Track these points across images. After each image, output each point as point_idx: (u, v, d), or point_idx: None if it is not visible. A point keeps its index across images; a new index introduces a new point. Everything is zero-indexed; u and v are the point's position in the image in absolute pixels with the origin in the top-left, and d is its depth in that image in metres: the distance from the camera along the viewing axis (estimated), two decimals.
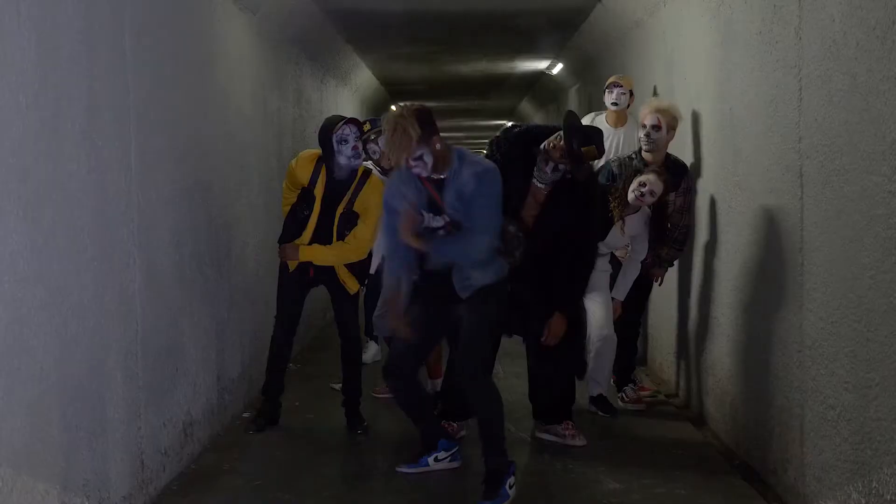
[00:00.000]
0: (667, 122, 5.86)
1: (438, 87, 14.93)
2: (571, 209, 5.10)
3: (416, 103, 4.56)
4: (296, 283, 5.70)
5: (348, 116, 5.58)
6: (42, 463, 3.41)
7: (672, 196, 5.87)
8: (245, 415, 6.10)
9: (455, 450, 5.02)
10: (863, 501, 3.55)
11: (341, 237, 5.54)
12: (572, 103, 12.55)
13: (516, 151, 5.15)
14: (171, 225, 4.87)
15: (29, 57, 3.36)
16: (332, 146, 5.41)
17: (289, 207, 5.69)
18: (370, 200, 5.49)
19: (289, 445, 5.49)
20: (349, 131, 5.43)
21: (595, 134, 5.04)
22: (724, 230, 5.38)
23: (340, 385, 6.29)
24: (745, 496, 4.56)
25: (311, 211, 5.52)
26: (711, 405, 5.65)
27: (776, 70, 4.40)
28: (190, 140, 5.24)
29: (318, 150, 5.55)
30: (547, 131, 5.17)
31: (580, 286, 5.34)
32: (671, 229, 5.93)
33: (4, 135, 3.19)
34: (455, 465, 4.99)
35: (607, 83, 6.88)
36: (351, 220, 5.54)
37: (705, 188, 5.77)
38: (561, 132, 5.00)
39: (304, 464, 5.16)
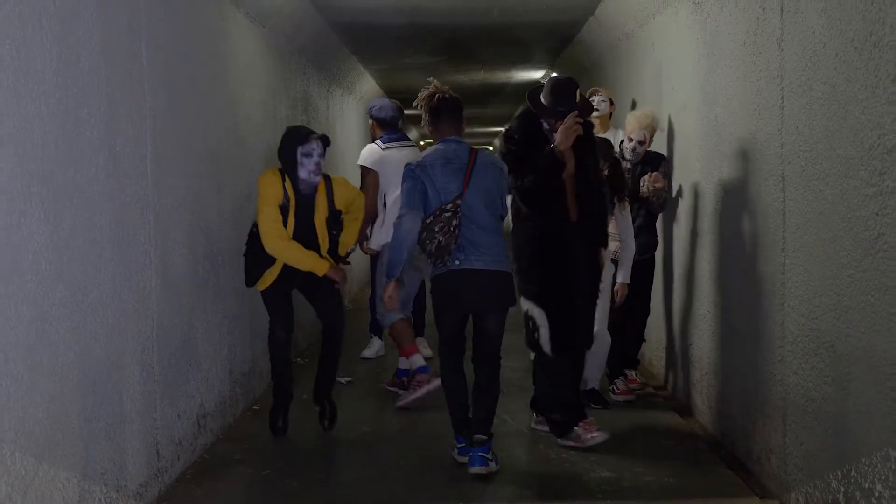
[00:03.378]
0: (650, 135, 6.13)
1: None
2: (589, 157, 5.17)
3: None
4: (281, 285, 5.34)
5: (317, 132, 5.32)
6: (63, 452, 3.41)
7: (649, 178, 6.08)
8: (255, 407, 6.10)
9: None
10: (842, 489, 3.56)
11: (332, 239, 5.36)
12: None
13: (530, 136, 5.09)
14: (186, 227, 4.87)
15: (50, 67, 3.36)
16: (297, 157, 5.13)
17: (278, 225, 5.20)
18: (347, 192, 5.45)
19: (297, 437, 5.49)
20: (316, 146, 5.17)
21: (559, 84, 5.06)
22: (709, 231, 5.38)
23: (348, 379, 6.32)
24: (729, 484, 4.56)
25: (285, 226, 5.19)
26: (698, 397, 5.65)
27: (759, 79, 4.40)
28: (203, 146, 5.24)
29: (275, 168, 5.29)
30: (539, 109, 5.12)
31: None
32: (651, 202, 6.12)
33: (27, 141, 3.19)
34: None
35: (587, 93, 6.93)
36: (336, 218, 5.39)
37: (692, 191, 5.77)
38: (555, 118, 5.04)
39: (311, 454, 5.16)
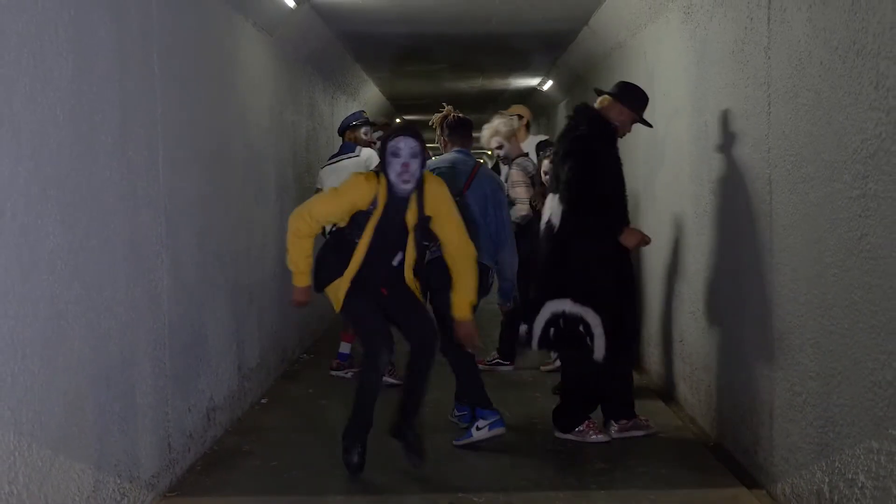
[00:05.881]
0: (503, 140, 6.66)
1: (439, 101, 14.92)
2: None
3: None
4: (361, 299, 4.55)
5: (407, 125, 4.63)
6: (78, 445, 3.41)
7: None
8: (263, 401, 6.10)
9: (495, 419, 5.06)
10: (826, 479, 3.56)
11: (421, 253, 4.57)
12: (561, 117, 12.54)
13: (602, 135, 4.99)
14: (196, 227, 4.87)
15: (66, 75, 3.36)
16: (385, 157, 4.38)
17: (314, 232, 4.48)
18: (440, 196, 4.50)
19: (303, 429, 5.49)
20: (403, 145, 4.34)
21: (643, 93, 5.19)
22: (700, 232, 5.37)
23: (354, 371, 6.38)
24: (718, 475, 4.56)
25: (360, 238, 4.43)
26: (688, 391, 5.65)
27: (747, 86, 4.40)
28: (213, 150, 5.24)
29: (370, 173, 4.57)
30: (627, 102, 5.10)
31: None
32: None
33: (44, 146, 3.19)
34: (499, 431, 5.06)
35: (509, 111, 7.61)
36: (425, 227, 4.50)
37: (684, 194, 5.77)
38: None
39: (317, 446, 5.15)
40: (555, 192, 5.08)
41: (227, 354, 5.43)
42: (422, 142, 4.40)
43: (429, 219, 4.48)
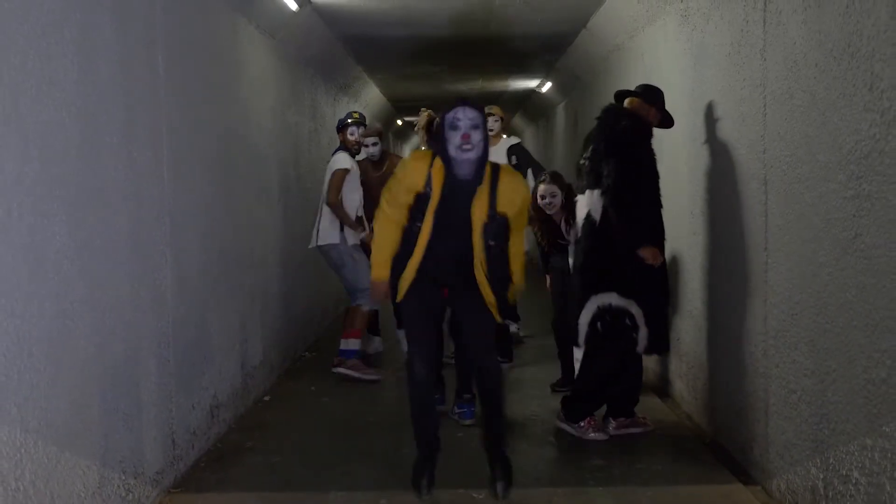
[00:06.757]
0: None
1: (439, 103, 14.90)
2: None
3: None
4: (426, 309, 4.24)
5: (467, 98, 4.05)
6: (83, 442, 3.42)
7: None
8: (265, 398, 6.10)
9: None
10: (821, 476, 3.56)
11: (491, 252, 4.13)
12: (560, 118, 12.56)
13: (638, 131, 5.00)
14: (200, 228, 4.88)
15: (71, 77, 3.37)
16: (443, 133, 3.99)
17: (397, 214, 4.15)
18: (517, 194, 4.12)
19: (305, 426, 5.50)
20: (462, 115, 3.96)
21: (662, 93, 5.20)
22: (696, 232, 5.38)
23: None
24: (715, 471, 4.57)
25: (422, 223, 4.07)
26: (685, 389, 5.65)
27: (743, 88, 4.41)
28: (216, 151, 5.25)
29: (424, 151, 4.30)
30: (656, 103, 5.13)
31: None
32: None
33: (50, 147, 3.20)
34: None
35: (493, 111, 7.56)
36: (497, 226, 4.10)
37: (680, 195, 5.78)
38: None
39: (318, 443, 5.16)
40: (592, 188, 5.02)
41: (231, 352, 5.44)
42: (483, 115, 4.02)
43: (504, 218, 4.10)
